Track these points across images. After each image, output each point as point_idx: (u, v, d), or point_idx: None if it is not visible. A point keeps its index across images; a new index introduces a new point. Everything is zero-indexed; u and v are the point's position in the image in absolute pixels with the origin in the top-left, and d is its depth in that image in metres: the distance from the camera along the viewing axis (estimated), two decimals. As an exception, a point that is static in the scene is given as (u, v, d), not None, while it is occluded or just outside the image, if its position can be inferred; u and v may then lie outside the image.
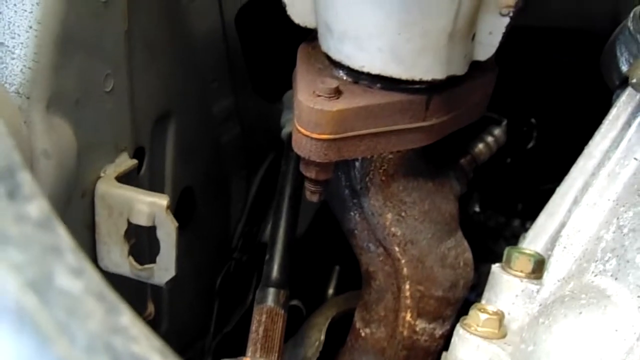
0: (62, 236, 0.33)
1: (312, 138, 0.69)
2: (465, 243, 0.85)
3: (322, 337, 0.91)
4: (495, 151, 0.89)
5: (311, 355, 0.90)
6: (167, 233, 0.71)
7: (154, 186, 0.84)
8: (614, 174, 0.71)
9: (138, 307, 0.85)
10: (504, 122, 0.90)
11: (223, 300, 1.07)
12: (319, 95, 0.68)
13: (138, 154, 0.80)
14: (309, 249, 1.13)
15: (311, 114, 0.68)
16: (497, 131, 0.89)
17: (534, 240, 0.75)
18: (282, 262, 0.86)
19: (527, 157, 1.17)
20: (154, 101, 0.81)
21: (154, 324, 0.91)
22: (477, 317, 0.69)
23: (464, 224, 0.99)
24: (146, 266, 0.74)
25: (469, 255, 0.85)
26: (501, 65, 1.07)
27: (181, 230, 0.93)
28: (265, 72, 0.91)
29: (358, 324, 0.86)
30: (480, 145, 0.88)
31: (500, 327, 0.69)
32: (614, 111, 0.74)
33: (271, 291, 0.84)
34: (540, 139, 1.18)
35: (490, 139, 0.89)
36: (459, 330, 0.69)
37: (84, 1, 0.65)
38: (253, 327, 0.82)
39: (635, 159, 0.70)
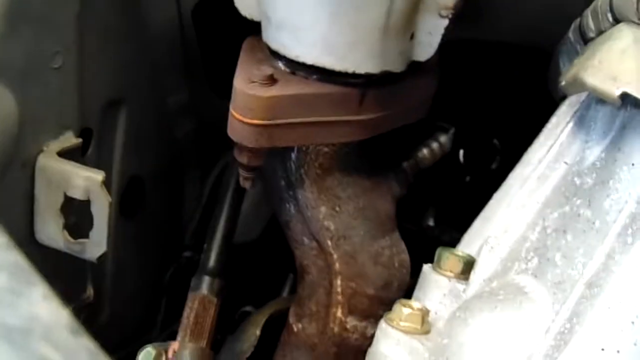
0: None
1: (244, 123, 0.73)
2: (402, 245, 0.88)
3: (258, 332, 0.93)
4: (439, 157, 0.93)
5: (246, 348, 0.92)
6: (101, 208, 0.75)
7: (100, 165, 0.88)
8: (544, 177, 0.74)
9: (77, 289, 0.88)
10: (451, 130, 0.94)
11: (172, 296, 1.09)
12: (254, 82, 0.72)
13: (85, 134, 0.84)
14: (263, 255, 1.16)
15: (245, 99, 0.72)
16: (442, 138, 0.93)
17: (468, 243, 0.78)
18: (219, 252, 0.90)
19: (489, 176, 1.20)
20: (104, 85, 0.85)
21: (94, 310, 0.93)
22: (400, 311, 0.72)
23: (417, 237, 1.02)
24: (79, 240, 0.77)
25: (405, 257, 0.88)
26: (462, 83, 1.12)
27: (128, 219, 0.98)
28: (221, 68, 0.95)
29: (291, 319, 0.89)
30: (425, 151, 0.92)
31: (423, 323, 0.71)
32: (553, 120, 0.78)
33: (206, 279, 0.87)
34: (504, 159, 1.21)
35: (435, 145, 0.92)
36: (382, 324, 0.72)
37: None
38: (185, 314, 0.86)
39: (565, 162, 0.73)
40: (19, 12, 0.68)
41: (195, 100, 1.02)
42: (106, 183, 0.80)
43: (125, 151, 0.92)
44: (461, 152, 1.32)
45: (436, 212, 1.20)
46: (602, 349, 0.59)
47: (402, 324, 0.71)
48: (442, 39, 0.75)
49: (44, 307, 0.30)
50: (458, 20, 0.75)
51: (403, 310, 0.71)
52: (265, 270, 1.14)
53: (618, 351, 0.59)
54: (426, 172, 1.16)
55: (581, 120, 0.72)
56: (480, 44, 1.03)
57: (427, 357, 0.69)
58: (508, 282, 0.70)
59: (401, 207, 1.17)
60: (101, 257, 0.78)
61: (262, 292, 1.11)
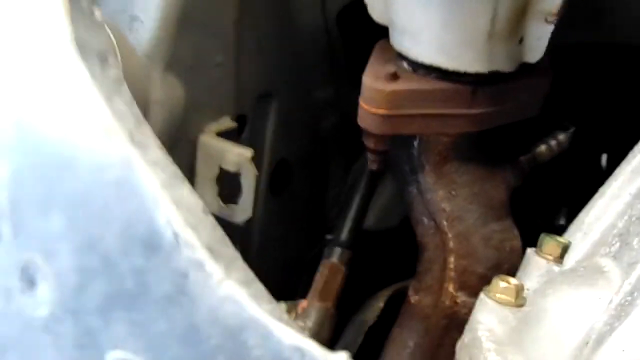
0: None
1: (370, 112, 0.90)
2: (515, 232, 1.01)
3: (382, 304, 1.10)
4: (557, 154, 1.05)
5: (370, 319, 1.09)
6: (248, 179, 0.95)
7: (253, 148, 1.09)
8: (637, 171, 0.85)
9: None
10: (571, 129, 1.05)
11: (312, 274, 1.28)
12: (379, 78, 0.90)
13: (240, 120, 1.05)
14: (400, 242, 1.32)
15: (371, 92, 0.89)
16: (561, 136, 1.05)
17: (571, 230, 0.90)
18: (351, 227, 1.07)
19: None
20: (257, 79, 1.06)
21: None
22: (497, 285, 0.86)
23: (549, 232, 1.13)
24: (230, 205, 0.98)
25: (517, 243, 1.00)
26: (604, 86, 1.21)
27: (276, 197, 1.18)
28: (362, 67, 1.13)
29: (410, 292, 1.04)
30: (543, 147, 1.04)
31: (517, 297, 0.85)
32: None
33: (337, 250, 1.05)
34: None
35: (553, 142, 1.04)
36: (480, 295, 0.86)
37: (203, -11, 0.92)
38: (316, 278, 1.04)
39: (659, 158, 0.84)
40: (188, 18, 0.90)
41: (340, 95, 1.20)
42: (257, 163, 1.01)
43: (275, 136, 1.13)
44: (604, 156, 1.41)
45: (569, 213, 1.30)
46: (659, 322, 0.70)
47: (497, 295, 0.84)
48: (549, 43, 0.88)
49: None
50: (573, 23, 0.88)
51: (500, 284, 0.85)
52: (400, 256, 1.29)
53: (671, 324, 0.69)
54: (566, 174, 1.28)
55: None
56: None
57: (514, 325, 0.83)
58: (592, 263, 0.82)
59: (536, 206, 1.30)
60: (247, 222, 0.98)
61: (395, 276, 1.27)
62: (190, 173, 0.99)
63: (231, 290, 0.40)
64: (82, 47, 0.50)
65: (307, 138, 1.21)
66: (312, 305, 1.00)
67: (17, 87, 0.48)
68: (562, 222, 1.32)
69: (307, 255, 1.29)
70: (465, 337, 0.89)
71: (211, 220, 0.48)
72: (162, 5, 0.88)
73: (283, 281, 1.26)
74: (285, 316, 0.44)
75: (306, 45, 1.13)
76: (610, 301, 0.74)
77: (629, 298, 0.74)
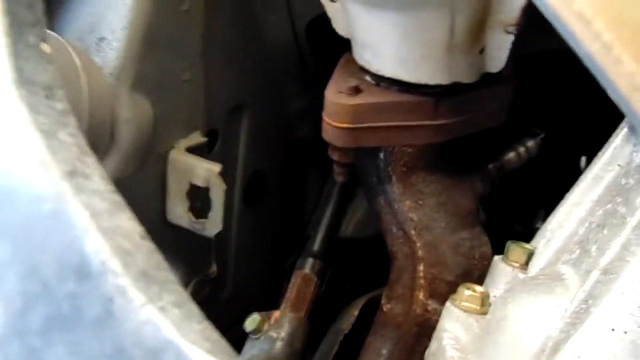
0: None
1: (334, 126, 0.93)
2: (484, 239, 1.03)
3: (356, 313, 1.12)
4: (526, 161, 1.07)
5: (345, 327, 1.12)
6: (217, 193, 0.98)
7: (226, 165, 1.11)
8: (598, 178, 0.87)
9: (202, 265, 1.13)
10: (540, 136, 1.08)
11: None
12: (341, 92, 0.92)
13: (211, 135, 1.08)
14: (377, 251, 1.35)
15: (333, 106, 0.92)
16: (530, 143, 1.07)
17: (538, 236, 0.93)
18: (323, 238, 1.10)
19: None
20: (227, 93, 1.08)
21: (218, 285, 1.17)
22: (462, 293, 0.88)
23: (526, 238, 1.16)
24: (200, 220, 1.00)
25: (486, 249, 1.03)
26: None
27: (251, 208, 1.21)
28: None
29: (383, 300, 1.07)
30: (511, 154, 1.07)
31: (482, 305, 0.87)
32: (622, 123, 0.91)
33: (309, 260, 1.08)
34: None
35: (522, 149, 1.07)
36: (447, 304, 0.89)
37: (168, 8, 0.94)
38: (289, 288, 1.07)
39: (618, 165, 0.86)
40: (154, 38, 0.93)
41: (313, 105, 1.23)
42: (231, 175, 1.04)
43: (249, 149, 1.15)
44: (583, 159, 1.43)
45: (546, 215, 1.32)
46: (612, 329, 0.72)
47: (463, 303, 0.87)
48: (510, 53, 0.90)
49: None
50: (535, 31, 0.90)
51: (465, 292, 0.88)
52: (377, 264, 1.32)
53: (625, 332, 0.72)
54: (542, 175, 1.30)
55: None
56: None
57: (478, 333, 0.86)
58: (552, 271, 0.85)
59: (513, 210, 1.32)
60: (224, 233, 1.01)
61: (374, 284, 1.30)
62: (162, 188, 1.01)
63: (151, 314, 0.43)
64: (27, 82, 0.53)
65: (282, 149, 1.24)
66: (284, 316, 1.03)
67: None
68: (539, 225, 1.34)
69: (286, 264, 1.32)
70: (432, 345, 0.92)
71: (148, 245, 0.51)
72: (128, 26, 0.91)
73: (262, 290, 1.29)
74: (215, 335, 0.47)
75: (276, 57, 1.16)
76: (566, 309, 0.77)
77: (583, 306, 0.76)
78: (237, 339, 1.02)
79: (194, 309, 0.48)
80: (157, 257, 0.51)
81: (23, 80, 0.53)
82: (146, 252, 0.50)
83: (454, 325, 0.88)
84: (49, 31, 0.82)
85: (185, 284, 1.12)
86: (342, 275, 1.25)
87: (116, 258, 0.45)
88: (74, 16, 0.95)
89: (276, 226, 1.27)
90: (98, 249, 0.45)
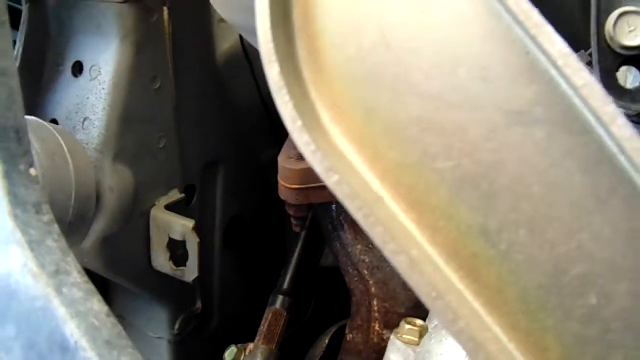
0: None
1: (286, 187, 1.14)
2: (432, 273, 1.24)
3: (327, 341, 1.34)
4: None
5: (317, 353, 1.34)
6: (192, 245, 1.20)
7: (205, 213, 1.34)
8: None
9: (189, 302, 1.35)
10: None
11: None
12: (291, 157, 1.14)
13: (189, 189, 1.30)
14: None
15: (284, 170, 1.14)
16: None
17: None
18: (292, 277, 1.32)
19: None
20: (201, 153, 1.31)
21: (205, 318, 1.40)
22: (403, 327, 1.10)
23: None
24: (179, 267, 1.23)
25: (434, 283, 1.24)
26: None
27: (232, 250, 1.43)
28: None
29: (346, 330, 1.29)
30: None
31: (420, 337, 1.09)
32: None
33: (279, 297, 1.30)
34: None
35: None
36: (391, 336, 1.11)
37: (141, 88, 1.16)
38: (262, 323, 1.29)
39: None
40: (131, 115, 1.15)
41: (284, 153, 1.45)
42: (210, 221, 1.26)
43: (226, 197, 1.38)
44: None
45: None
46: None
47: (403, 336, 1.09)
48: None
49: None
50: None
51: (405, 326, 1.10)
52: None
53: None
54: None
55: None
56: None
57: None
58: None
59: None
60: (202, 275, 1.24)
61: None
62: (147, 240, 1.24)
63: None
64: (19, 200, 0.76)
65: (258, 194, 1.46)
66: (257, 347, 1.25)
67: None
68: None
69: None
70: (379, 374, 1.14)
71: (111, 320, 0.73)
72: (107, 107, 1.13)
73: (247, 323, 1.51)
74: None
75: (246, 115, 1.38)
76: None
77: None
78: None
79: (145, 369, 0.71)
80: (118, 329, 0.74)
81: (17, 201, 0.75)
82: (110, 326, 0.73)
83: (396, 355, 1.10)
84: (41, 121, 1.06)
85: (173, 320, 1.35)
86: (329, 301, 1.47)
87: (86, 336, 0.68)
88: (62, 97, 1.18)
89: (257, 265, 1.49)
90: (72, 332, 0.68)
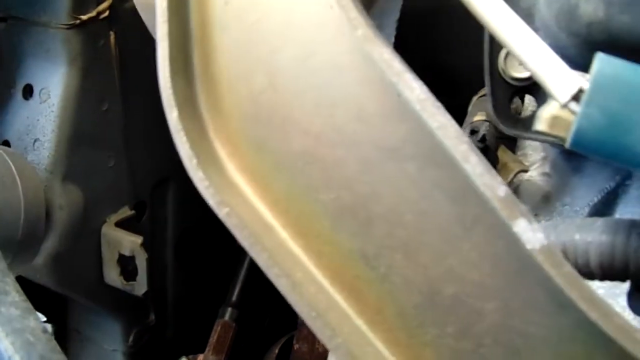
0: None
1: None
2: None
3: (277, 351, 1.41)
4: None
5: (268, 363, 1.41)
6: (141, 261, 1.26)
7: (156, 229, 1.40)
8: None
9: (142, 315, 1.41)
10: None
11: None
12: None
13: (140, 206, 1.36)
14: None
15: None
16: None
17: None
18: (240, 289, 1.38)
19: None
20: (151, 171, 1.36)
21: (160, 329, 1.46)
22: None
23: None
24: (130, 282, 1.28)
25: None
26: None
27: (184, 263, 1.49)
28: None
29: (294, 340, 1.35)
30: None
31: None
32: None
33: (228, 310, 1.36)
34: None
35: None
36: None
37: (90, 110, 1.22)
38: (212, 334, 1.35)
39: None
40: (80, 136, 1.21)
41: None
42: (162, 235, 1.32)
43: (176, 213, 1.43)
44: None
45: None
46: None
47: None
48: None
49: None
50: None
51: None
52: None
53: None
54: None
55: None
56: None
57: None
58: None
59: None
60: (156, 288, 1.29)
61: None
62: (98, 257, 1.30)
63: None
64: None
65: (209, 209, 1.51)
66: (207, 358, 1.31)
67: None
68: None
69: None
70: (323, 380, 1.21)
71: (47, 336, 0.79)
72: (57, 129, 1.19)
73: (201, 334, 1.57)
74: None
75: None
76: None
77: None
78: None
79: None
80: (53, 344, 0.80)
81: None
82: (45, 341, 0.79)
83: (336, 364, 1.16)
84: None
85: (128, 333, 1.41)
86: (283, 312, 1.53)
87: (20, 352, 0.74)
88: (14, 119, 1.24)
89: (210, 277, 1.55)
90: (7, 348, 0.74)
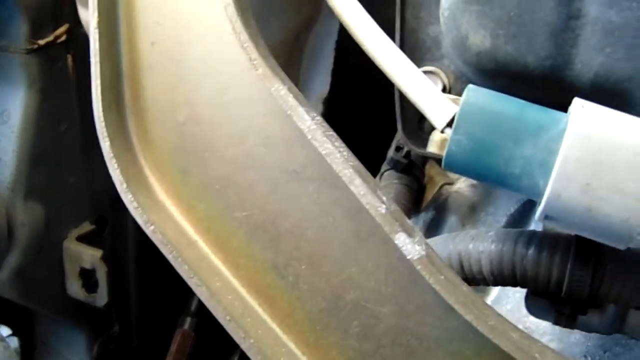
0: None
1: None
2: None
3: (236, 358, 1.50)
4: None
5: (228, 370, 1.50)
6: (102, 274, 1.35)
7: (117, 242, 1.49)
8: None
9: (106, 326, 1.50)
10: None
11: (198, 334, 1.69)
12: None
13: (101, 221, 1.45)
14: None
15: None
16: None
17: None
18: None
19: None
20: (111, 187, 1.45)
21: (125, 339, 1.55)
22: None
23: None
24: (91, 294, 1.37)
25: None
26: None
27: (146, 274, 1.58)
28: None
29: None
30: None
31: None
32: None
33: (187, 319, 1.46)
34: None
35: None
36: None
37: (49, 130, 1.31)
38: (172, 343, 1.45)
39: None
40: (39, 155, 1.30)
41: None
42: (124, 247, 1.42)
43: (137, 226, 1.52)
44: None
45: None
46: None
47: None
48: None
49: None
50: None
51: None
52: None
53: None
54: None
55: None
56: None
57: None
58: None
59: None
60: (119, 299, 1.38)
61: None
62: (61, 270, 1.39)
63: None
64: None
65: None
66: (168, 367, 1.41)
67: None
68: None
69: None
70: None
71: (3, 344, 0.89)
72: (17, 149, 1.28)
73: (165, 346, 1.66)
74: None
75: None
76: None
77: None
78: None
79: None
80: (9, 352, 0.89)
81: None
82: (2, 350, 0.88)
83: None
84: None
85: (92, 344, 1.50)
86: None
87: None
88: (-24, 140, 1.33)
89: (172, 287, 1.64)
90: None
